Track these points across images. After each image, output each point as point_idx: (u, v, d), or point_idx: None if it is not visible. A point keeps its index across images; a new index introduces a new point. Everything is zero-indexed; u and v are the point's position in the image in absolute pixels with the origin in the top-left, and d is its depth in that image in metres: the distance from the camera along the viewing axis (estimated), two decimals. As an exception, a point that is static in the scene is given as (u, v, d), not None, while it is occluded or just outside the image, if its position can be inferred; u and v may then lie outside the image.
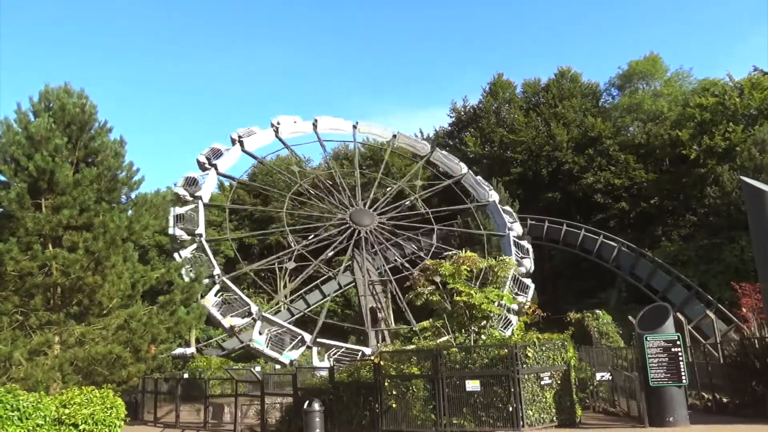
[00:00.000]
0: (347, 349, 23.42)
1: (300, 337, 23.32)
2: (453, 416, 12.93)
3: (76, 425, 13.16)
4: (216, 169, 29.93)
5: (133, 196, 18.51)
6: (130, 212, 17.72)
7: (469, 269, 16.25)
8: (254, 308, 24.15)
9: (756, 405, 14.63)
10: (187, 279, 18.80)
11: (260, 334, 22.99)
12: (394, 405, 13.61)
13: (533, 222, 41.39)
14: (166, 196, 20.77)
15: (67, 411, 13.27)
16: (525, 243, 29.36)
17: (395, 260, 31.37)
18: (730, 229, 35.96)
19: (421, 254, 29.81)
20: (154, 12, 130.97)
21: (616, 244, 38.32)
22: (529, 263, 28.74)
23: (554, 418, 13.15)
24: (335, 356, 22.78)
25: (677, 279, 34.53)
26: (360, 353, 22.78)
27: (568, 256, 42.92)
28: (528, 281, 27.01)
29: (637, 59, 50.65)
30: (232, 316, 23.57)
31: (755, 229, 16.79)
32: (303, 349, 23.16)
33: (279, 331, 23.41)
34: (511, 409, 12.60)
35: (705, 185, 39.28)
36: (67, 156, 16.39)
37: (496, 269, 17.45)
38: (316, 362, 22.39)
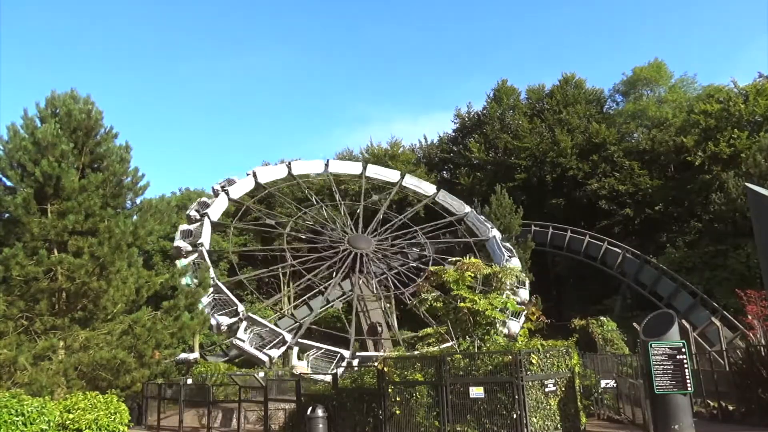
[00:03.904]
0: (326, 350, 24.07)
1: (281, 336, 24.05)
2: (457, 423, 12.85)
3: (80, 430, 13.22)
4: (228, 194, 31.96)
5: (138, 201, 18.64)
6: (135, 217, 17.82)
7: (473, 276, 16.21)
8: (240, 308, 25.04)
9: (762, 413, 14.53)
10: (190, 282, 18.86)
11: (245, 332, 23.93)
12: (397, 411, 13.56)
13: (537, 228, 41.35)
14: (170, 202, 20.93)
15: (71, 416, 13.32)
16: (522, 275, 29.66)
17: (389, 279, 32.92)
18: (736, 235, 35.83)
19: (414, 278, 31.02)
20: (158, 19, 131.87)
21: (620, 251, 38.23)
22: (524, 294, 28.98)
23: (558, 425, 13.07)
24: (314, 357, 23.61)
25: (682, 286, 34.39)
26: (339, 355, 23.47)
27: (573, 262, 42.84)
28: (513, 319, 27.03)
29: (641, 65, 50.73)
30: (219, 315, 24.39)
31: (760, 235, 16.73)
32: (284, 348, 23.87)
33: (261, 330, 24.35)
34: (515, 416, 12.51)
35: (710, 192, 39.16)
36: (73, 161, 16.51)
37: (499, 275, 17.41)
38: (295, 361, 23.21)
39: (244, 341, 23.51)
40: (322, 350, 23.99)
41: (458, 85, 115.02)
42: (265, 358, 23.25)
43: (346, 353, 23.93)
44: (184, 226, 29.02)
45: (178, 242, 28.08)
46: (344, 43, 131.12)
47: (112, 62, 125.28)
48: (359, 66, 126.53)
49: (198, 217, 29.58)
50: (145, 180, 18.31)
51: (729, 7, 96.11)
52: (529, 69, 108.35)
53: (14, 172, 16.03)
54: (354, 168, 38.63)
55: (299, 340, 24.55)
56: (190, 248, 27.51)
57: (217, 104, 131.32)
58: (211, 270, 26.42)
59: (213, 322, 24.22)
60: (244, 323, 24.07)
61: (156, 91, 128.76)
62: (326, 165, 37.22)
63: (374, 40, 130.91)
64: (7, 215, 16.38)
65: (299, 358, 23.48)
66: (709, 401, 17.42)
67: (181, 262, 26.72)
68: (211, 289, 24.82)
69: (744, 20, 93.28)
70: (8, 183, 16.46)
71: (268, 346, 23.55)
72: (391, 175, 38.67)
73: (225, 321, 24.05)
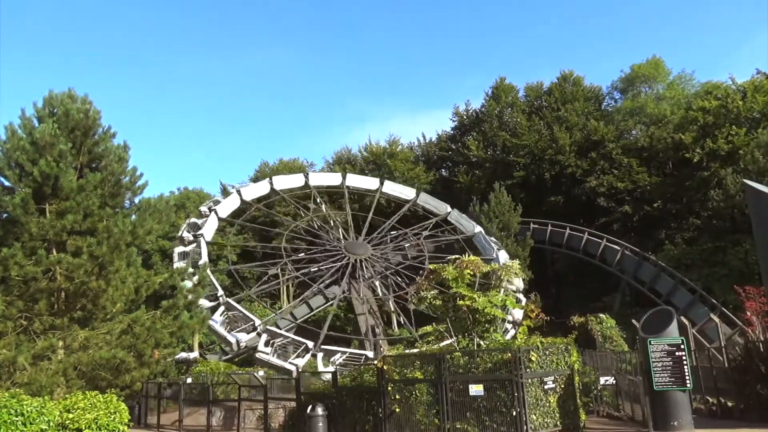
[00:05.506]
0: (293, 339, 24.99)
1: (252, 322, 25.03)
2: (456, 421, 12.87)
3: (79, 430, 13.20)
4: (240, 194, 33.44)
5: (136, 200, 18.62)
6: (133, 217, 17.80)
7: (472, 274, 16.21)
8: (220, 292, 26.29)
9: (761, 409, 14.57)
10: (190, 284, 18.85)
11: (220, 315, 25.39)
12: (397, 409, 13.58)
13: (536, 226, 41.40)
14: (169, 201, 20.94)
15: (70, 416, 13.30)
16: (520, 296, 29.98)
17: (387, 281, 34.09)
18: (734, 232, 35.84)
19: (410, 281, 31.89)
20: (156, 17, 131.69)
21: (619, 248, 38.24)
22: (518, 314, 29.29)
23: (558, 422, 13.09)
24: (279, 344, 24.52)
25: (681, 282, 34.43)
26: (303, 346, 24.30)
27: (572, 260, 42.85)
28: (509, 326, 27.21)
29: (639, 62, 50.59)
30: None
31: (759, 232, 16.78)
32: (253, 334, 24.67)
33: (236, 314, 25.94)
34: (514, 413, 12.53)
35: (708, 188, 39.16)
36: (71, 161, 16.47)
37: (499, 273, 17.42)
38: (261, 347, 23.92)
39: (216, 322, 24.52)
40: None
41: (456, 83, 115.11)
42: (233, 340, 24.06)
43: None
44: (192, 219, 30.58)
45: (183, 232, 29.40)
46: (342, 42, 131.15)
47: (110, 62, 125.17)
48: (358, 64, 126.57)
49: (208, 212, 30.96)
50: (144, 179, 18.31)
51: (727, 5, 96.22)
52: (527, 67, 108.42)
53: (12, 172, 15.99)
54: (370, 183, 40.30)
55: (268, 327, 25.14)
56: (191, 238, 28.76)
57: (215, 103, 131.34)
58: (204, 255, 27.74)
59: (232, 340, 25.10)
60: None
61: (154, 90, 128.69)
62: (343, 176, 38.95)
63: (372, 38, 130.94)
64: (5, 215, 16.34)
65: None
66: (708, 398, 17.46)
67: (178, 249, 28.49)
68: (222, 308, 26.09)
69: (742, 17, 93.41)
70: (6, 183, 16.42)
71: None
72: (406, 192, 40.24)
73: (244, 338, 24.78)
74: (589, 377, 16.55)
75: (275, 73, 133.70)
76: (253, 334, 24.54)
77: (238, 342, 23.98)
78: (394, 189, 40.00)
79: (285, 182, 37.10)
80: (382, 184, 39.21)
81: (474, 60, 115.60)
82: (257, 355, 23.62)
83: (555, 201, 45.97)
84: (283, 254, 32.91)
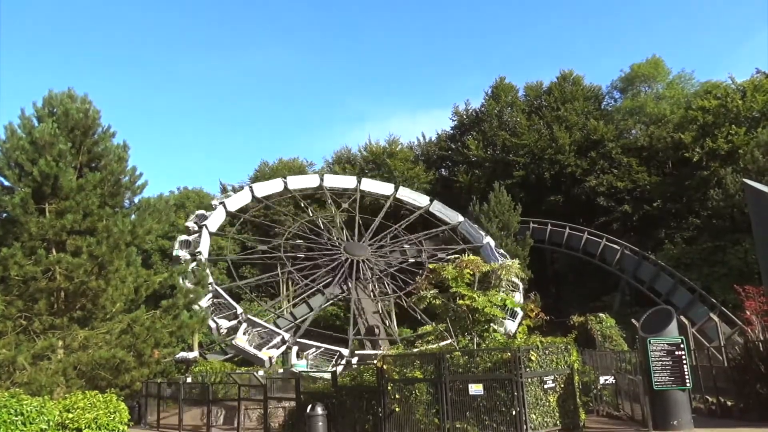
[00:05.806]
0: (326, 349, 24.75)
1: (280, 336, 24.92)
2: (456, 420, 12.87)
3: (79, 429, 13.20)
4: (225, 206, 33.42)
5: (136, 200, 18.65)
6: (133, 217, 17.81)
7: (471, 273, 16.22)
8: (239, 311, 26.14)
9: (760, 408, 14.57)
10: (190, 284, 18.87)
11: (244, 333, 25.07)
12: (397, 409, 13.58)
13: (536, 225, 41.42)
14: (169, 201, 20.97)
15: (70, 415, 13.31)
16: (516, 280, 29.95)
17: (386, 282, 34.27)
18: (734, 231, 35.87)
19: (410, 281, 32.06)
20: (156, 17, 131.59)
21: (619, 247, 38.26)
22: (518, 297, 29.39)
23: (558, 422, 13.09)
24: (313, 355, 24.48)
25: (681, 282, 34.44)
26: (338, 353, 24.07)
27: (571, 259, 42.87)
28: (509, 324, 27.21)
29: (639, 62, 50.58)
30: (219, 317, 25.32)
31: (758, 231, 16.79)
32: (283, 348, 24.59)
33: (261, 331, 25.62)
34: (514, 413, 12.54)
35: (708, 188, 39.19)
36: (71, 161, 16.48)
37: (499, 272, 17.44)
38: (294, 360, 24.04)
39: (244, 342, 24.15)
40: (322, 349, 24.48)
41: (457, 83, 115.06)
42: (265, 358, 23.71)
43: (345, 351, 24.27)
44: (182, 237, 30.35)
45: (177, 252, 29.15)
46: (342, 42, 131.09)
47: (110, 62, 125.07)
48: (358, 64, 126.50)
49: (196, 228, 30.66)
50: (143, 179, 18.35)
51: (727, 4, 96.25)
52: (527, 66, 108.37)
53: (12, 172, 16.00)
54: (348, 182, 40.55)
55: (298, 340, 25.00)
56: (188, 257, 28.36)
57: (215, 103, 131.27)
58: (210, 277, 27.16)
59: (212, 325, 24.85)
60: (244, 325, 24.60)
61: (154, 90, 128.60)
62: (321, 178, 39.15)
63: (372, 38, 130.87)
64: (5, 215, 16.37)
65: (299, 357, 23.67)
66: (707, 397, 17.46)
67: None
68: (210, 294, 25.79)
69: (742, 17, 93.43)
70: (6, 183, 16.46)
71: (267, 346, 23.95)
72: (385, 188, 40.53)
73: (224, 324, 24.64)
74: (588, 376, 16.56)
75: (275, 73, 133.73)
76: (284, 347, 24.50)
77: (270, 359, 23.85)
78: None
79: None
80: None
81: (474, 60, 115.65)
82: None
83: (555, 200, 45.97)
84: (282, 254, 33.00)
